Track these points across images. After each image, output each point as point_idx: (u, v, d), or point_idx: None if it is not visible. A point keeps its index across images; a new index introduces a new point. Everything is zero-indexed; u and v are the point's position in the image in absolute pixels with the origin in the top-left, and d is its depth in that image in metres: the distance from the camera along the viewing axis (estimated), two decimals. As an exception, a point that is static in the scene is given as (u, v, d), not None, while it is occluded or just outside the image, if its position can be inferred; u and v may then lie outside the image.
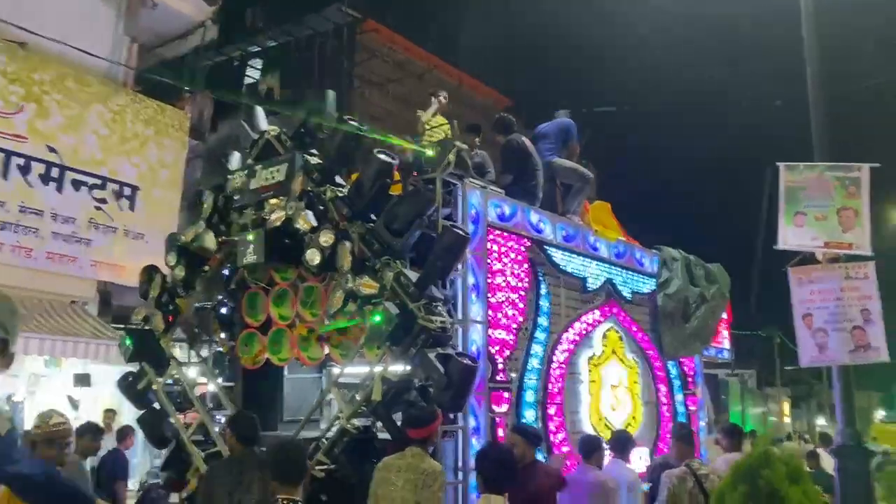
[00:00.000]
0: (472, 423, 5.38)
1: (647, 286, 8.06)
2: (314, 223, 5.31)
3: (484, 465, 3.89)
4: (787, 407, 36.47)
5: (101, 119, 11.51)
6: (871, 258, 6.44)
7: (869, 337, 6.34)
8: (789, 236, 6.68)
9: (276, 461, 3.56)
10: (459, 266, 5.50)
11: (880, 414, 39.12)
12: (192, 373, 6.39)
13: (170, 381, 6.29)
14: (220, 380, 6.47)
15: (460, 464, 5.31)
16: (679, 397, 8.30)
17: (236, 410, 5.91)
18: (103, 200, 11.42)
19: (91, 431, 6.53)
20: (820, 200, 6.67)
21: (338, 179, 5.64)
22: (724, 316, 9.35)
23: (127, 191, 11.74)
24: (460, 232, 5.07)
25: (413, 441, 4.45)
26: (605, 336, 7.29)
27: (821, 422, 37.62)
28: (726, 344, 9.89)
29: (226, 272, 6.41)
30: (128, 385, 6.31)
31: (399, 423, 4.80)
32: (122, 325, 13.58)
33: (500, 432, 5.61)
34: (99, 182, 11.39)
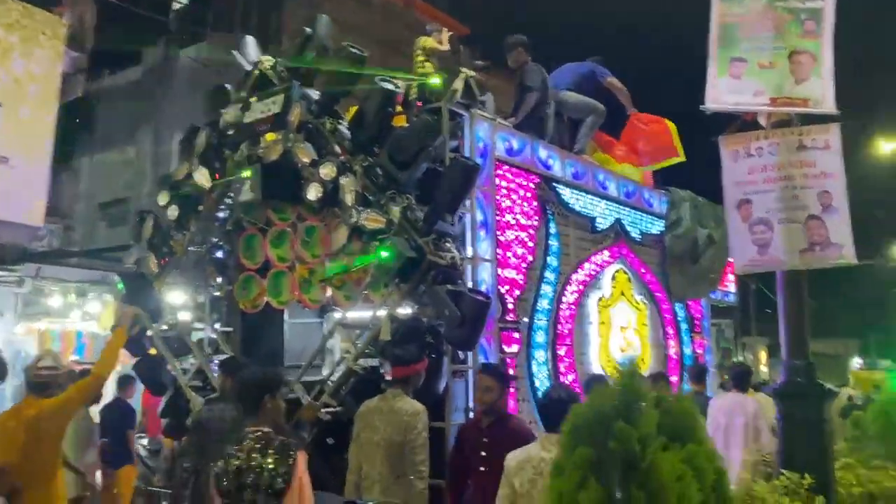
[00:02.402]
0: (482, 363, 5.18)
1: (657, 227, 7.84)
2: (314, 156, 5.03)
3: (545, 403, 3.72)
4: (763, 356, 36.68)
5: (-53, 22, 8.97)
6: (837, 119, 4.58)
7: (829, 230, 4.37)
8: (722, 92, 4.68)
9: (236, 395, 3.57)
10: (467, 202, 5.24)
11: (857, 362, 39.34)
12: (188, 318, 6.15)
13: (165, 327, 6.06)
14: (217, 325, 6.24)
15: (470, 404, 5.13)
16: (686, 340, 8.16)
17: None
18: (-47, 119, 9.32)
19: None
20: (765, 41, 4.80)
21: (337, 111, 5.35)
22: (731, 259, 9.16)
23: (-16, 108, 9.53)
24: (469, 162, 4.81)
25: (393, 381, 4.34)
26: (614, 277, 7.09)
27: (798, 371, 37.86)
28: (732, 287, 9.74)
29: (221, 214, 6.13)
30: (122, 331, 6.07)
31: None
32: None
33: (511, 373, 5.43)
34: (-55, 97, 9.27)
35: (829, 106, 4.50)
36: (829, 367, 38.19)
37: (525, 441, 3.85)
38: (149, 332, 6.02)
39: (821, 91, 4.54)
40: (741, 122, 4.73)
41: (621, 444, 2.19)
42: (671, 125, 7.82)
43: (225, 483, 3.07)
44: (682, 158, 7.83)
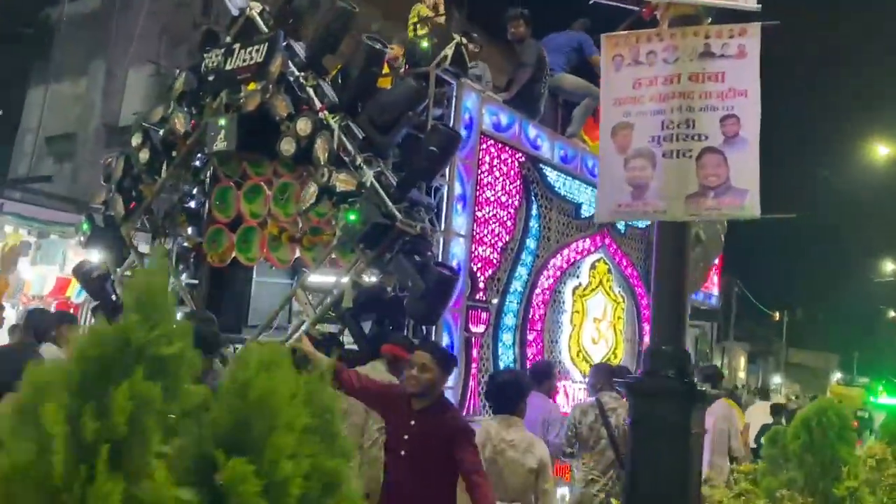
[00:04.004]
0: (445, 340, 5.04)
1: (643, 221, 7.68)
2: (292, 110, 4.85)
3: (491, 388, 3.57)
4: (742, 362, 36.72)
5: None
6: (757, 14, 3.23)
7: (730, 169, 3.11)
8: None
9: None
10: (446, 173, 5.08)
11: (837, 376, 39.48)
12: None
13: (129, 273, 5.90)
14: (183, 276, 6.09)
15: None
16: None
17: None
18: None
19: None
20: None
21: (323, 66, 5.16)
22: (717, 261, 9.02)
23: None
24: (450, 131, 4.64)
25: (379, 356, 4.21)
26: (593, 266, 6.94)
27: (776, 380, 38.02)
28: (715, 290, 9.62)
29: (196, 163, 5.97)
30: (84, 273, 5.93)
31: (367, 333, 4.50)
32: None
33: (475, 353, 5.31)
34: None
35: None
36: (807, 379, 38.45)
37: (458, 438, 3.31)
38: (111, 277, 5.88)
39: None
40: (635, 20, 3.46)
41: (23, 461, 1.00)
42: None
43: None
44: None
